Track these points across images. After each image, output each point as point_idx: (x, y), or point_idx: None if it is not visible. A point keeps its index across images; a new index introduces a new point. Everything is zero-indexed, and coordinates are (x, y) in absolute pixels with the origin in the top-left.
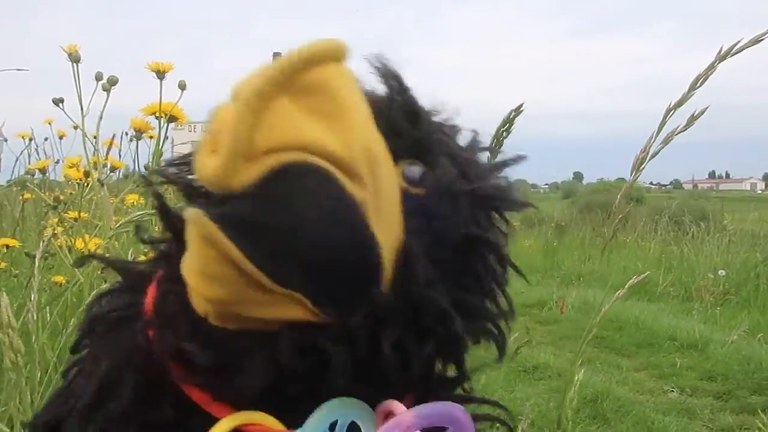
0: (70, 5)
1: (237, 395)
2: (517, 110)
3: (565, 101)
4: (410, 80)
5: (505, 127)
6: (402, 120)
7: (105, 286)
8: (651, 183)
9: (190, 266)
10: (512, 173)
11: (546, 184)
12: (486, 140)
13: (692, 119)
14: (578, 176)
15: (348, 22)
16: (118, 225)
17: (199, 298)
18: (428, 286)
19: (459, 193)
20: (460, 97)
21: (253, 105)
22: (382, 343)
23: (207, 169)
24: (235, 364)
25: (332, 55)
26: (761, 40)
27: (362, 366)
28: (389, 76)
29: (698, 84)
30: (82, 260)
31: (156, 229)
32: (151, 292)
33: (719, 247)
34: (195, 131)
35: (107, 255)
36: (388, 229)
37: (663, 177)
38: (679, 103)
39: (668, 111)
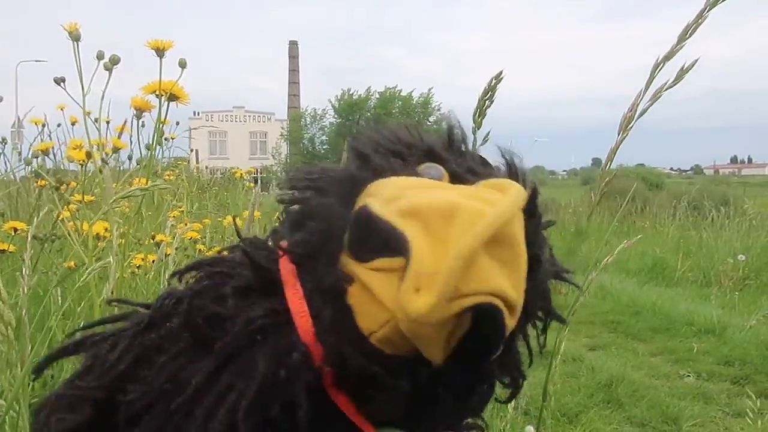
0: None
1: (378, 409)
2: (498, 78)
3: (584, 86)
4: (432, 68)
5: (487, 96)
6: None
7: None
8: (671, 168)
9: (399, 305)
10: (530, 160)
11: (564, 171)
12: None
13: (682, 73)
14: (597, 162)
15: (366, 8)
16: (113, 200)
17: (406, 329)
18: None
19: (547, 279)
20: (479, 81)
21: (466, 261)
22: (474, 393)
23: (415, 307)
24: (388, 382)
25: (519, 210)
26: None
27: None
28: (519, 175)
29: (687, 35)
30: (231, 247)
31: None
32: (297, 301)
33: (739, 231)
34: (211, 120)
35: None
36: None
37: (683, 163)
38: (668, 57)
39: (656, 65)
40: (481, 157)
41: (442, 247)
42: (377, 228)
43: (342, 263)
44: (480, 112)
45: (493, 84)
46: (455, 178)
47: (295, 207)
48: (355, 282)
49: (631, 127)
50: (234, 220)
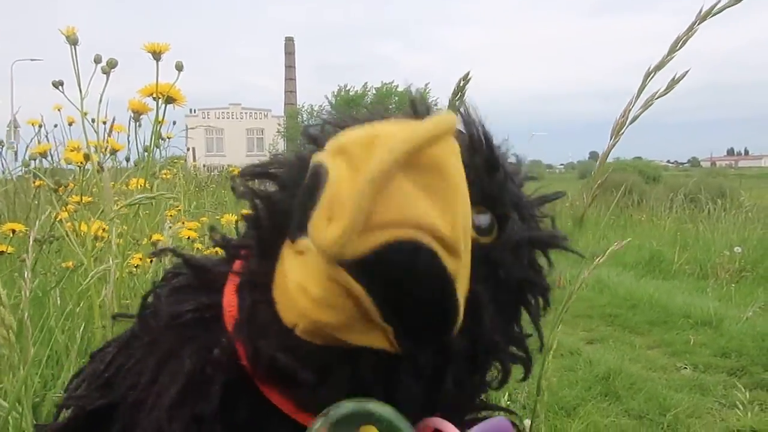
0: None
1: (316, 404)
2: (465, 79)
3: (582, 80)
4: (429, 63)
5: (458, 97)
6: (481, 171)
7: (161, 279)
8: (668, 161)
9: (303, 291)
10: (528, 154)
11: (562, 164)
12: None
13: (673, 83)
14: (594, 156)
15: (363, 4)
16: (118, 208)
17: (305, 318)
18: (492, 331)
19: (522, 241)
20: (480, 76)
21: (376, 182)
22: (446, 377)
23: (325, 236)
24: (319, 376)
25: (446, 132)
26: None
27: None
28: (474, 125)
29: (678, 47)
30: (158, 252)
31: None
32: (230, 296)
33: (735, 224)
34: (208, 117)
35: (178, 248)
36: (464, 283)
37: (680, 155)
38: (659, 66)
39: (648, 74)
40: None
41: (357, 173)
42: (308, 182)
43: (282, 251)
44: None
45: (462, 85)
46: None
47: (251, 199)
48: (278, 270)
49: (623, 132)
50: (212, 229)
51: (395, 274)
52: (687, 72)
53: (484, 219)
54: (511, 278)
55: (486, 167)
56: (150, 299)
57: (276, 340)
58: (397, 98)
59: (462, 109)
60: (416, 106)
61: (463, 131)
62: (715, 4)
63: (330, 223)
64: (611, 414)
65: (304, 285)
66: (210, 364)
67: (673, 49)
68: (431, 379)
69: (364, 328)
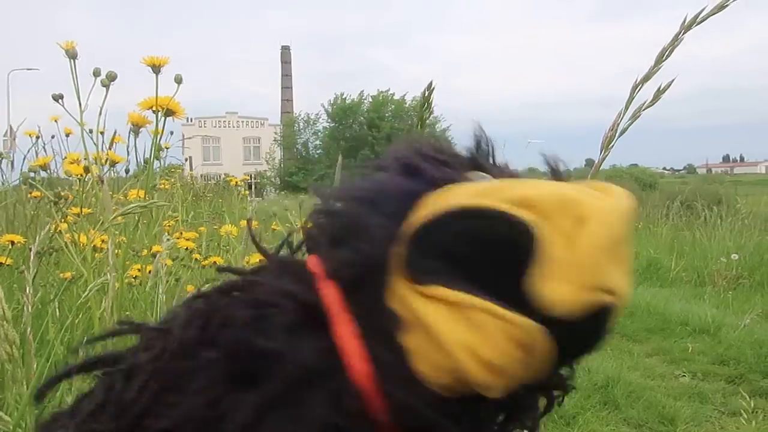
0: (81, 5)
1: None
2: (430, 88)
3: (578, 87)
4: (426, 70)
5: (425, 108)
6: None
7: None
8: (664, 168)
9: (471, 353)
10: (524, 162)
11: (555, 160)
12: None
13: (659, 93)
14: (590, 163)
15: (359, 12)
16: (112, 217)
17: (460, 377)
18: None
19: None
20: (477, 83)
21: (607, 253)
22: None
23: (556, 295)
24: (452, 422)
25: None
26: (725, 6)
27: None
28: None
29: (664, 57)
30: (221, 270)
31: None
32: (350, 341)
33: (732, 231)
34: (204, 126)
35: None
36: None
37: (676, 162)
38: (646, 78)
39: (635, 86)
40: (508, 166)
41: (569, 236)
42: (476, 226)
43: (397, 290)
44: (421, 124)
45: (427, 95)
46: None
47: (334, 221)
48: (413, 318)
49: (612, 146)
50: (254, 241)
51: (590, 333)
52: (672, 82)
53: (482, 179)
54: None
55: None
56: (191, 319)
57: (417, 392)
58: (393, 106)
59: (553, 164)
60: (481, 147)
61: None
62: (699, 14)
63: (552, 283)
64: (610, 422)
65: (473, 347)
66: (342, 415)
67: (660, 59)
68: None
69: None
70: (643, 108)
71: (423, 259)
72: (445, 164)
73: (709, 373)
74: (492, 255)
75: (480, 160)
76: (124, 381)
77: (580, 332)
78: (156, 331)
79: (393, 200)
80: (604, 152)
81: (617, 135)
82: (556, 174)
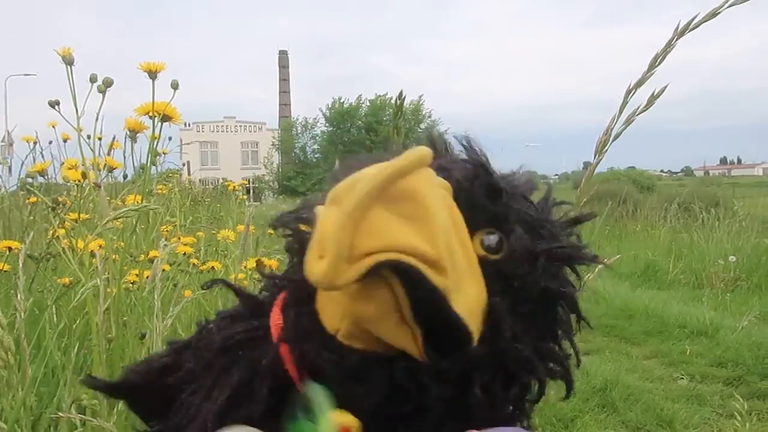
0: (79, 11)
1: (354, 405)
2: (401, 98)
3: (576, 90)
4: (423, 74)
5: (399, 116)
6: (482, 196)
7: (223, 310)
8: (662, 171)
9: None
10: (522, 165)
11: (556, 175)
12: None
13: (652, 98)
14: (588, 165)
15: (356, 17)
16: (105, 221)
17: (346, 317)
18: (513, 339)
19: (535, 253)
20: (470, 87)
21: (353, 215)
22: (473, 385)
23: (316, 272)
24: (356, 377)
25: (419, 163)
26: (718, 13)
27: (456, 403)
28: (473, 153)
29: (657, 63)
30: (210, 284)
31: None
32: (276, 314)
33: (729, 233)
34: (202, 131)
35: (232, 281)
36: (471, 298)
37: (674, 164)
38: (639, 83)
39: (628, 91)
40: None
41: (337, 209)
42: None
43: None
44: (397, 131)
45: (398, 104)
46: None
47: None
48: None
49: (606, 150)
50: (259, 265)
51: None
52: (665, 87)
53: (493, 239)
54: (530, 289)
55: (487, 193)
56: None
57: (320, 344)
58: (391, 110)
59: (464, 140)
60: (434, 143)
61: (466, 160)
62: (692, 20)
63: (319, 260)
64: (609, 425)
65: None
66: (257, 374)
67: (653, 65)
68: (458, 386)
69: (396, 325)
70: (637, 113)
71: None
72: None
73: (707, 375)
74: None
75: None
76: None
77: None
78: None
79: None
80: (598, 156)
81: (611, 139)
82: (467, 149)
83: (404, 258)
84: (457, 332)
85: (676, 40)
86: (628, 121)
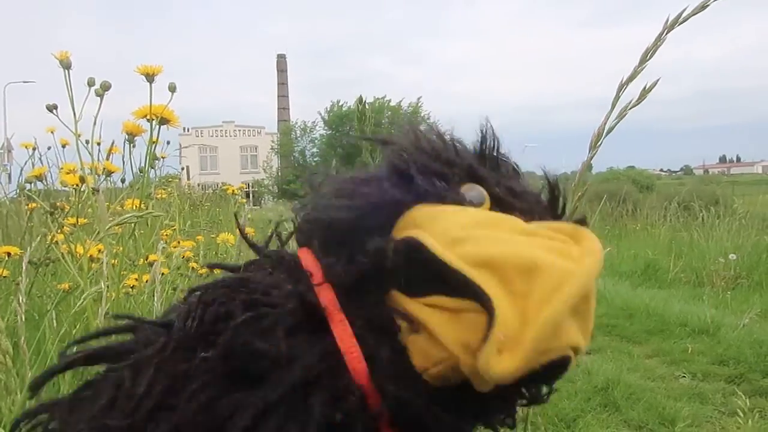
0: (79, 16)
1: None
2: (362, 102)
3: (574, 90)
4: (422, 76)
5: (362, 122)
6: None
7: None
8: (661, 170)
9: (467, 348)
10: (522, 165)
11: (555, 175)
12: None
13: (644, 92)
14: (588, 167)
15: (354, 19)
16: (108, 227)
17: (462, 372)
18: None
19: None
20: (469, 88)
21: (555, 327)
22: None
23: (498, 369)
24: (448, 412)
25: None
26: (707, 5)
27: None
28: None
29: (648, 57)
30: (211, 266)
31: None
32: (348, 340)
33: (729, 231)
34: (201, 135)
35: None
36: None
37: (673, 163)
38: (631, 78)
39: (620, 86)
40: (514, 170)
41: (525, 307)
42: (439, 268)
43: (392, 297)
44: (364, 137)
45: (360, 108)
46: (496, 201)
47: (327, 222)
48: (413, 321)
49: (600, 145)
50: (243, 235)
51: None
52: (657, 81)
53: (475, 194)
54: None
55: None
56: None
57: (413, 386)
58: (389, 113)
59: (552, 180)
60: (485, 149)
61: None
62: (680, 14)
63: (502, 356)
64: (611, 425)
65: (467, 342)
66: (342, 413)
67: (644, 59)
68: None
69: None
70: (630, 107)
71: (415, 276)
72: (440, 175)
73: (708, 373)
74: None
75: (478, 171)
76: (132, 376)
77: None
78: (157, 326)
79: (383, 211)
80: (592, 151)
81: (604, 134)
82: (551, 190)
83: (570, 354)
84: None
85: (666, 33)
86: (621, 116)
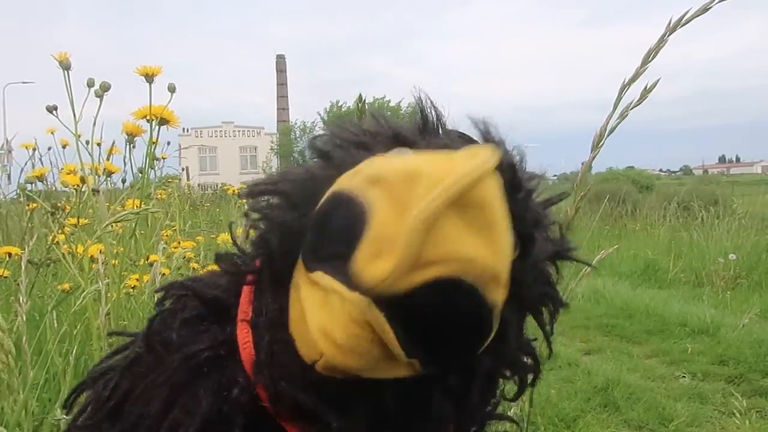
0: (79, 18)
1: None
2: (361, 100)
3: (575, 91)
4: (421, 76)
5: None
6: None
7: (163, 298)
8: (660, 170)
9: (326, 335)
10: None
11: (555, 175)
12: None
13: (645, 92)
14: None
15: (354, 20)
16: (105, 225)
17: (327, 360)
18: (517, 348)
19: (544, 257)
20: (470, 88)
21: (428, 222)
22: (472, 393)
23: (375, 274)
24: (340, 409)
25: (492, 170)
26: (709, 8)
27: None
28: (496, 145)
29: (650, 58)
30: (164, 288)
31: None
32: (244, 332)
33: (729, 231)
34: (201, 136)
35: (185, 279)
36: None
37: (673, 163)
38: (633, 79)
39: (623, 87)
40: (460, 133)
41: (404, 210)
42: (337, 211)
43: (296, 279)
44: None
45: (360, 106)
46: None
47: (258, 218)
48: (294, 304)
49: (602, 145)
50: (231, 231)
51: (434, 312)
52: (658, 81)
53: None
54: (533, 295)
55: (509, 188)
56: (156, 323)
57: (296, 379)
58: (389, 113)
59: (482, 128)
60: (425, 118)
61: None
62: (683, 15)
63: (377, 260)
64: (611, 425)
65: (327, 329)
66: (228, 405)
67: (646, 60)
68: (459, 395)
69: (387, 366)
70: (631, 107)
71: (316, 247)
72: (361, 145)
73: (708, 373)
74: (337, 236)
75: (404, 134)
76: (103, 385)
77: (423, 308)
78: (130, 336)
79: (299, 190)
80: (595, 151)
81: (606, 134)
82: (486, 138)
83: (467, 273)
84: (475, 347)
85: (668, 35)
86: (622, 116)
